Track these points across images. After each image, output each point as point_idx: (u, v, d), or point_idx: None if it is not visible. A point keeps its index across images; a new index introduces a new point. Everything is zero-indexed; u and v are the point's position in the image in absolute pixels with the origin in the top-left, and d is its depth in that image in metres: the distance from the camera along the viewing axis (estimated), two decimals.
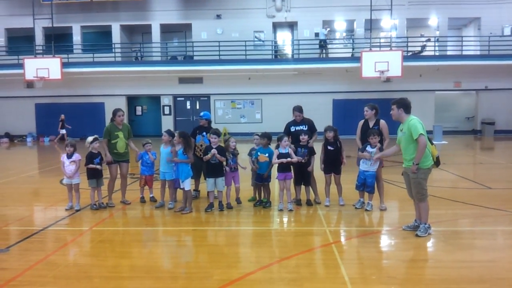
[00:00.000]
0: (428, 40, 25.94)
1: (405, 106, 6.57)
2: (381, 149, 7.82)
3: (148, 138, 9.39)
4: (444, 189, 9.95)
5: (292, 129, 8.63)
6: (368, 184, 8.01)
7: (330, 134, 8.38)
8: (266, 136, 8.45)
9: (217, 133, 8.30)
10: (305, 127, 8.56)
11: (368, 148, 7.93)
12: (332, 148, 8.37)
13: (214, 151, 8.05)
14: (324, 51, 25.53)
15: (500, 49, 24.35)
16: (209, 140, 8.34)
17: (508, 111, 25.36)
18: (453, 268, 5.26)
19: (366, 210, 8.05)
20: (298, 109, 8.64)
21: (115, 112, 8.67)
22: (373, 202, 8.20)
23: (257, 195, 8.76)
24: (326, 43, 25.50)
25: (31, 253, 6.00)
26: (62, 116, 24.09)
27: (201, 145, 8.84)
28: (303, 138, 8.30)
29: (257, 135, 8.65)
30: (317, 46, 25.66)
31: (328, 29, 25.75)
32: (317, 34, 26.33)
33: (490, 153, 19.36)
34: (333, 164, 8.43)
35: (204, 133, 8.98)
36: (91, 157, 8.34)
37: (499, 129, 25.45)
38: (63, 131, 24.17)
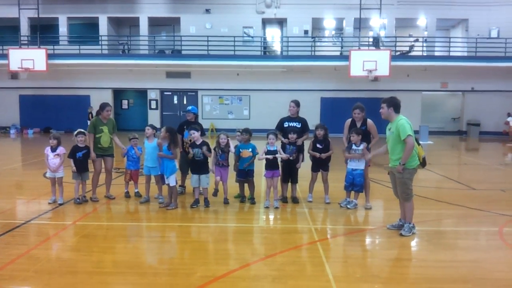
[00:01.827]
0: (416, 40, 26.17)
1: (395, 105, 6.59)
2: (367, 148, 7.88)
3: (135, 132, 9.31)
4: (429, 189, 10.06)
5: (286, 124, 8.62)
6: (356, 183, 8.02)
7: (320, 132, 8.40)
8: (247, 131, 8.48)
9: (195, 128, 8.20)
10: (299, 125, 8.56)
11: (354, 147, 7.97)
12: (321, 147, 8.39)
13: (192, 151, 7.99)
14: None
15: (487, 51, 24.66)
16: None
17: (493, 112, 25.73)
18: (437, 267, 5.32)
19: (348, 208, 8.09)
20: (295, 102, 8.69)
21: (104, 106, 8.57)
22: (358, 201, 8.25)
23: (242, 191, 8.80)
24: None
25: (13, 246, 5.92)
26: (91, 108, 23.17)
27: (190, 141, 8.78)
28: (292, 136, 8.31)
29: (239, 131, 8.66)
30: (306, 43, 25.68)
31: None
32: (306, 32, 26.37)
33: (475, 154, 19.61)
34: (321, 162, 8.46)
35: None
36: (74, 151, 8.27)
37: (484, 131, 25.81)
38: None
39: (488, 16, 25.93)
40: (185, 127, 8.99)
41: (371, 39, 25.82)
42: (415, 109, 25.13)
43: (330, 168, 8.62)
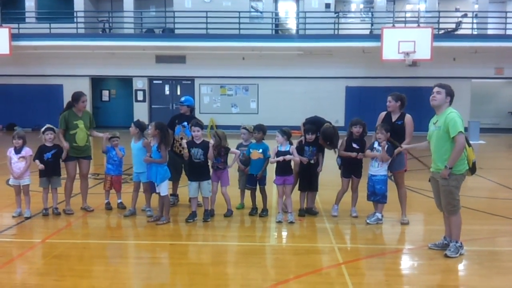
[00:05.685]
0: (465, 16, 25.96)
1: (452, 95, 6.56)
2: (389, 151, 7.75)
3: (117, 130, 9.34)
4: (481, 200, 10.00)
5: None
6: (377, 192, 7.97)
7: (359, 130, 8.31)
8: (259, 128, 8.52)
9: (200, 124, 8.26)
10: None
11: (376, 145, 7.94)
12: (358, 147, 8.27)
13: (190, 152, 8.02)
14: None
15: None
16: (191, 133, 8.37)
17: None
18: None
19: (367, 223, 8.01)
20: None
21: (78, 96, 8.53)
22: (393, 214, 8.21)
23: (245, 201, 8.84)
24: None
25: None
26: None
27: (181, 138, 8.77)
28: (310, 137, 8.30)
29: (245, 128, 8.69)
30: (328, 20, 25.62)
31: None
32: (328, 6, 26.26)
33: None
34: (355, 165, 8.39)
35: (186, 123, 8.90)
36: (41, 151, 8.31)
37: None
38: None
39: None
40: (177, 121, 9.00)
41: (408, 15, 25.70)
42: (463, 101, 24.77)
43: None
